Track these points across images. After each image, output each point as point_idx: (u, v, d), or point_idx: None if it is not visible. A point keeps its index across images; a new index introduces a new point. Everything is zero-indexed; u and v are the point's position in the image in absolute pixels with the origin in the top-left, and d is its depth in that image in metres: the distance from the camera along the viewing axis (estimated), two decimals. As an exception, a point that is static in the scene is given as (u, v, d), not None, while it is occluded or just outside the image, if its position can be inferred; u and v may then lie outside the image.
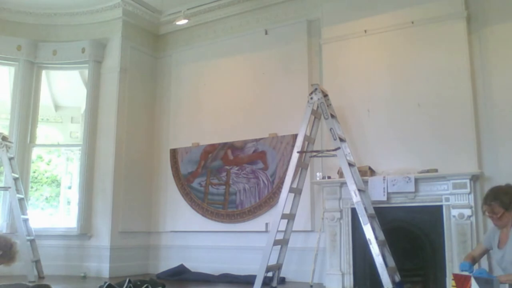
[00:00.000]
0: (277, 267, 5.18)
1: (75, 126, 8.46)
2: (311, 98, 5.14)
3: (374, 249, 4.42)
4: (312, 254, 5.63)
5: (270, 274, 5.09)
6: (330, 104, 5.25)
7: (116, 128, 6.83)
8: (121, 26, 7.06)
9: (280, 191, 5.26)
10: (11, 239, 4.06)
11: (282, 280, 5.67)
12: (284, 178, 5.12)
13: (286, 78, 6.37)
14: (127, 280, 4.84)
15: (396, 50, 5.60)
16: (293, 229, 5.30)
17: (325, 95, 5.19)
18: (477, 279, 2.90)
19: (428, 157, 5.13)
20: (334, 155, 4.94)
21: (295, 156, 5.07)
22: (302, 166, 5.34)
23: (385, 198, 5.10)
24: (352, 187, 4.70)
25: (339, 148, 4.86)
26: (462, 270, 3.20)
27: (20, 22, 7.08)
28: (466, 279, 2.92)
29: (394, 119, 5.46)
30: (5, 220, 6.60)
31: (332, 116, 5.17)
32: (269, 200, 6.21)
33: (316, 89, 5.14)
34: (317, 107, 5.20)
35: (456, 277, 3.02)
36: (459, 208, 4.82)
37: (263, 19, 6.75)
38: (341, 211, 5.45)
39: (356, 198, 4.65)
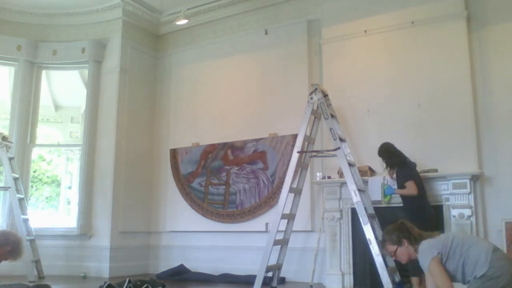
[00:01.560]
0: (277, 267, 5.18)
1: (75, 126, 8.46)
2: (311, 98, 5.13)
3: (374, 249, 4.42)
4: (312, 254, 5.63)
5: (270, 274, 5.09)
6: (330, 104, 5.25)
7: (116, 128, 6.83)
8: (121, 26, 7.06)
9: (280, 191, 5.26)
10: (18, 234, 4.08)
11: (282, 280, 5.67)
12: (284, 178, 5.12)
13: (286, 78, 6.37)
14: (127, 280, 4.84)
15: (396, 50, 5.60)
16: (293, 229, 5.29)
17: (325, 95, 5.19)
18: None
19: (428, 157, 5.12)
20: (334, 155, 4.94)
21: (295, 156, 5.06)
22: (302, 166, 5.34)
23: (385, 198, 5.10)
24: (352, 187, 4.69)
25: (339, 148, 4.86)
26: None
27: (20, 22, 7.08)
28: None
29: (394, 119, 5.46)
30: (5, 220, 6.61)
31: (332, 116, 5.16)
32: (269, 200, 6.21)
33: (316, 89, 5.13)
34: (317, 107, 5.19)
35: None
36: (459, 208, 4.83)
37: (263, 19, 6.75)
38: (341, 211, 5.46)
39: (356, 198, 4.64)
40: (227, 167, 6.65)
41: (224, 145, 6.71)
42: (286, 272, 5.69)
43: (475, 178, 4.92)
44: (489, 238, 4.87)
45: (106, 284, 4.80)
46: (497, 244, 4.64)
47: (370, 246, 4.46)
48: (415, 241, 3.01)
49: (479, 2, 5.32)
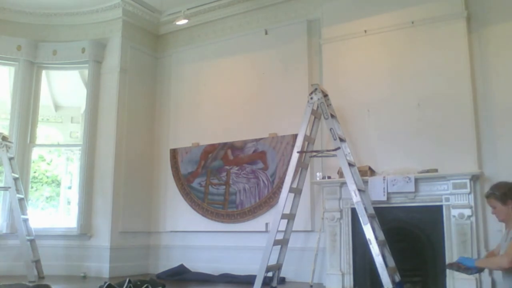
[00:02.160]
0: (277, 267, 5.18)
1: (75, 126, 8.47)
2: (311, 98, 5.11)
3: (374, 249, 4.42)
4: (312, 254, 5.63)
5: (270, 274, 5.08)
6: (330, 104, 5.24)
7: (116, 128, 6.83)
8: (121, 26, 7.06)
9: (280, 191, 5.25)
10: None
11: (282, 280, 5.67)
12: (284, 178, 5.10)
13: (286, 78, 6.37)
14: (127, 280, 4.84)
15: (396, 50, 5.60)
16: (293, 229, 5.29)
17: (325, 95, 5.18)
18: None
19: (428, 157, 5.12)
20: (334, 155, 4.93)
21: (295, 156, 5.05)
22: (302, 166, 5.33)
23: (385, 198, 5.10)
24: (352, 187, 4.69)
25: (339, 148, 4.85)
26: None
27: (20, 22, 7.08)
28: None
29: (394, 119, 5.45)
30: (5, 220, 6.61)
31: (332, 116, 5.16)
32: (269, 200, 6.21)
33: (316, 89, 5.11)
34: (317, 107, 5.19)
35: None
36: (459, 208, 4.82)
37: (263, 19, 6.75)
38: (341, 211, 5.45)
39: (356, 198, 4.64)
40: (227, 167, 6.65)
41: (224, 145, 6.71)
42: (286, 272, 5.69)
43: (475, 178, 4.92)
44: (488, 238, 4.88)
45: (106, 284, 4.79)
46: (496, 244, 4.69)
47: (370, 246, 4.45)
48: None
49: (479, 2, 5.32)
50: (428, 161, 5.09)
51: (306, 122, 5.11)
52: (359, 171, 5.16)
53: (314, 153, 5.35)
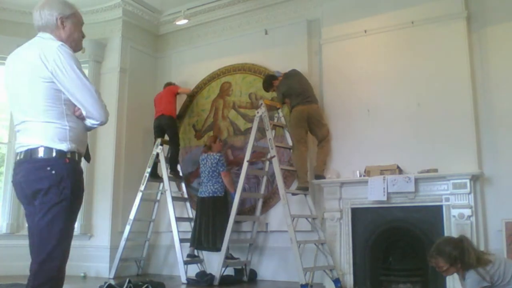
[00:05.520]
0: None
1: (75, 126, 8.45)
2: (257, 113, 5.69)
3: None
4: (312, 254, 5.61)
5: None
6: (281, 116, 5.88)
7: (116, 128, 6.83)
8: (121, 26, 7.06)
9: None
10: None
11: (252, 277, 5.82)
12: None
13: (286, 78, 6.37)
14: (127, 280, 4.84)
15: (396, 50, 5.60)
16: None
17: (278, 108, 5.88)
18: None
19: (428, 157, 5.12)
20: (271, 162, 5.53)
21: (245, 165, 5.68)
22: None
23: (385, 198, 5.09)
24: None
25: (274, 156, 5.41)
26: None
27: (20, 22, 7.06)
28: None
29: (394, 119, 5.45)
30: (5, 220, 6.60)
31: (280, 126, 5.85)
32: (269, 200, 6.20)
33: (261, 104, 5.68)
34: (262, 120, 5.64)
35: None
36: (459, 208, 4.82)
37: (263, 19, 6.75)
38: (341, 211, 5.45)
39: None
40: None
41: (224, 145, 6.70)
42: (286, 272, 5.69)
43: (475, 178, 4.92)
44: (488, 238, 4.88)
45: (106, 284, 4.80)
46: (497, 245, 4.70)
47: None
48: (469, 266, 2.97)
49: (479, 2, 5.32)
50: (428, 161, 5.09)
51: (253, 135, 5.72)
52: (387, 170, 5.16)
53: (254, 160, 5.91)
